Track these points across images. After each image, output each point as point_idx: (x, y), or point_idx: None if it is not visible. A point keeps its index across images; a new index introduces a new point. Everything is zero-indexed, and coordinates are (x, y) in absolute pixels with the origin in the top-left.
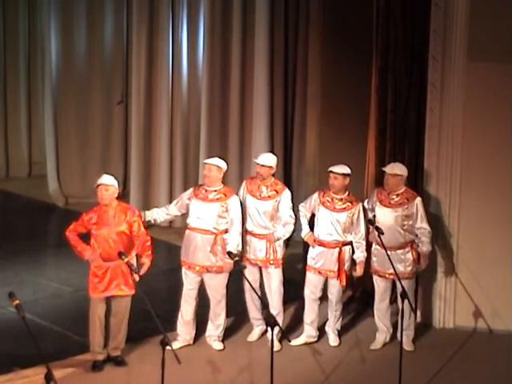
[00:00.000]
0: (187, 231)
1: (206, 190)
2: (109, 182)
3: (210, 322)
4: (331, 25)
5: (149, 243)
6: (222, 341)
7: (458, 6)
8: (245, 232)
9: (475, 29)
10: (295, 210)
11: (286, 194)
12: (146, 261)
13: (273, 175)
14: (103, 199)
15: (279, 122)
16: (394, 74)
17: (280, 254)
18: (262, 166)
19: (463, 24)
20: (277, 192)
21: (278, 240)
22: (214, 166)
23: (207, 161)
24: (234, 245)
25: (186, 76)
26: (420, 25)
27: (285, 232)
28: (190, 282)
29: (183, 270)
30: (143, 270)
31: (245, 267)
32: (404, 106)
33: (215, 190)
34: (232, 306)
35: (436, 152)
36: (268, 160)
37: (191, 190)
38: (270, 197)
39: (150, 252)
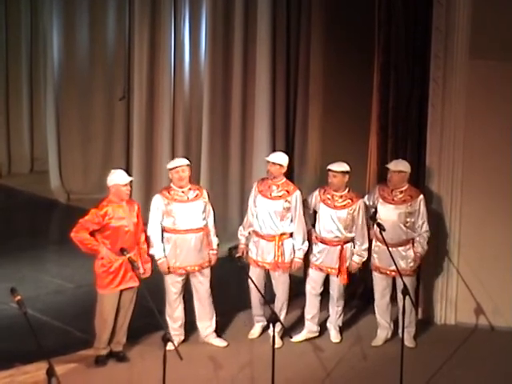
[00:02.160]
0: (175, 236)
1: (184, 192)
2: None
3: (200, 324)
4: (333, 22)
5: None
6: (220, 336)
7: (460, 3)
8: (253, 233)
9: (477, 26)
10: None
11: (297, 195)
12: (147, 267)
13: (285, 176)
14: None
15: (281, 120)
16: (396, 71)
17: (288, 258)
18: (273, 163)
19: (465, 21)
20: (288, 192)
21: (300, 251)
22: (186, 166)
23: (178, 163)
24: (215, 239)
25: (188, 72)
26: (422, 22)
27: (304, 246)
28: (176, 287)
29: (171, 277)
30: (146, 273)
31: (243, 259)
32: (406, 103)
33: (190, 189)
34: (233, 304)
35: (438, 149)
36: (279, 158)
37: (159, 197)
38: (280, 196)
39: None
